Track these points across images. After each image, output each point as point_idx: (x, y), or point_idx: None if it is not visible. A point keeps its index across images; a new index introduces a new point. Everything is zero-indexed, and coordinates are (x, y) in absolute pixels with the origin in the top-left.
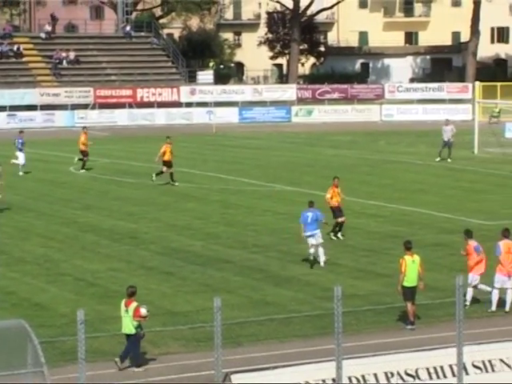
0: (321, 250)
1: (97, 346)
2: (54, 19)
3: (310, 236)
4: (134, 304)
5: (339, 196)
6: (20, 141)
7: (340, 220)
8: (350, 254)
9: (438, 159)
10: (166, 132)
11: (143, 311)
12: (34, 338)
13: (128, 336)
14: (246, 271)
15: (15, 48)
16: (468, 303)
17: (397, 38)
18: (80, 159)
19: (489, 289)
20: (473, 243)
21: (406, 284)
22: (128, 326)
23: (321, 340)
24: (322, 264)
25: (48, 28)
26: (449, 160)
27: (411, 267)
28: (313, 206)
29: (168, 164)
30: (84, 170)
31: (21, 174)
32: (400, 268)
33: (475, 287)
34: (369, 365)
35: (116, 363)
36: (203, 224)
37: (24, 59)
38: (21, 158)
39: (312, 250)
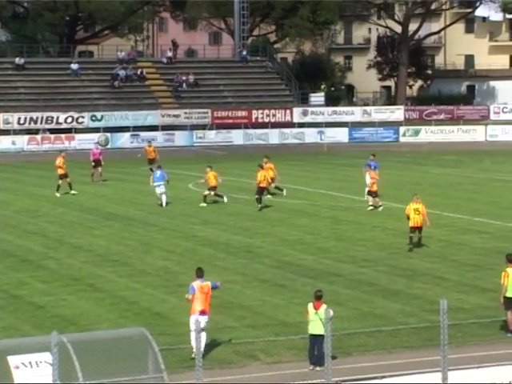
0: (163, 197)
1: (213, 354)
2: (174, 45)
3: (157, 186)
4: (324, 306)
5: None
6: (372, 163)
7: None
8: (455, 269)
9: None
10: (279, 151)
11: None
12: (155, 345)
13: (317, 337)
14: (356, 284)
15: (139, 72)
16: None
17: (502, 61)
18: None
19: None
20: None
21: (508, 295)
22: (319, 328)
23: (427, 351)
24: (164, 205)
25: (169, 53)
26: None
27: None
28: (160, 168)
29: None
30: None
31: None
32: (501, 280)
33: None
34: (474, 376)
35: (313, 369)
36: (314, 239)
37: (147, 82)
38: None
39: (162, 198)
